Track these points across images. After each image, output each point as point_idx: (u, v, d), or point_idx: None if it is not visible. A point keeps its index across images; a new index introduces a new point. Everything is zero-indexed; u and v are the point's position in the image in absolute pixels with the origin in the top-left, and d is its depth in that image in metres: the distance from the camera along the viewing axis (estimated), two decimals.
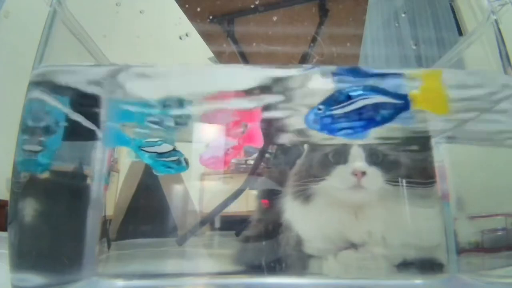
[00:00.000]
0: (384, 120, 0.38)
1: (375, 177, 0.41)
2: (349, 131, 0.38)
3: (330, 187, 0.42)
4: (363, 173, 0.41)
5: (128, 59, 0.40)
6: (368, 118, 0.38)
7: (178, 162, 0.41)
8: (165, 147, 0.41)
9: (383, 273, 0.41)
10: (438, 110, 0.40)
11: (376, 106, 0.38)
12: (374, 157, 0.42)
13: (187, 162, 0.42)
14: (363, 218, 0.42)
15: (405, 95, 0.38)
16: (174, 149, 0.41)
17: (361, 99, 0.38)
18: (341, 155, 0.43)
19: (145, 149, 0.41)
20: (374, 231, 0.41)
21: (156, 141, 0.41)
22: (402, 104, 0.38)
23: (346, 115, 0.38)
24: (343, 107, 0.38)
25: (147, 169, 0.46)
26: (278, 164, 0.51)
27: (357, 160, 0.42)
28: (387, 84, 0.38)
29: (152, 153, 0.41)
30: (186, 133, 0.45)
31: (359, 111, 0.38)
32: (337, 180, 0.42)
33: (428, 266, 0.41)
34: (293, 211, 0.44)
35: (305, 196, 0.43)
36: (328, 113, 0.38)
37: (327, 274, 0.42)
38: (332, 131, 0.39)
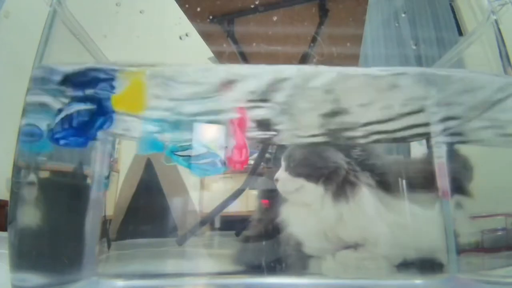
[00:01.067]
0: (90, 127, 0.39)
1: (284, 182, 0.45)
2: (65, 141, 0.39)
3: None
4: (276, 180, 0.46)
5: (128, 59, 0.40)
6: (77, 127, 0.39)
7: (213, 163, 0.41)
8: (198, 150, 0.41)
9: (383, 273, 0.41)
10: (135, 110, 0.40)
11: (79, 114, 0.39)
12: (289, 163, 0.46)
13: (223, 163, 0.41)
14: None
15: (102, 99, 0.38)
16: (208, 151, 0.41)
17: (64, 109, 0.39)
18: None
19: (179, 153, 0.41)
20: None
21: (189, 145, 0.41)
22: (100, 109, 0.38)
23: (60, 127, 0.39)
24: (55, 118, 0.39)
25: (147, 169, 0.46)
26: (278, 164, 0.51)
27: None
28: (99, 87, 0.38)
29: (186, 157, 0.41)
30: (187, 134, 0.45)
31: (66, 121, 0.39)
32: None
33: (428, 266, 0.41)
34: (285, 211, 0.45)
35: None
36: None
37: (327, 274, 0.42)
38: (56, 142, 0.39)
